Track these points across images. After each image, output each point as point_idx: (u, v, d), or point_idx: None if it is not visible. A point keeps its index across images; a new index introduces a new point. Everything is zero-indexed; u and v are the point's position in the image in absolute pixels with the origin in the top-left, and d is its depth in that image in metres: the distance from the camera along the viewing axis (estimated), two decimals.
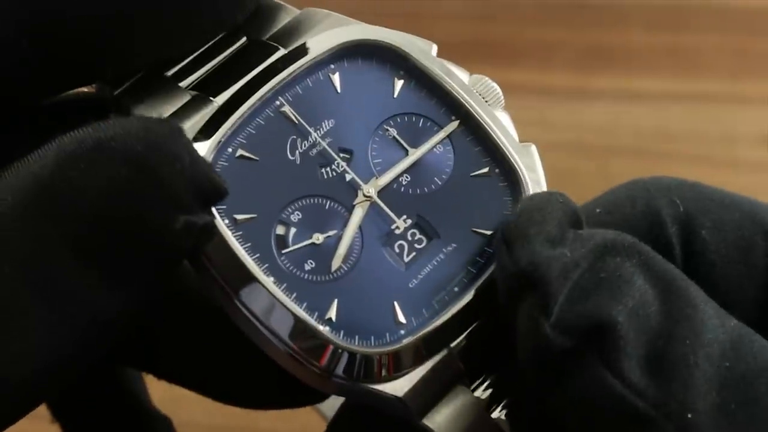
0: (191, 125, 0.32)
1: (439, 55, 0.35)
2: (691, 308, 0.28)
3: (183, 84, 0.33)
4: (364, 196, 0.33)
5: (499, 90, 0.35)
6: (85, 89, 0.34)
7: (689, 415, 0.26)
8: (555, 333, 0.27)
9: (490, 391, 0.31)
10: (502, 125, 0.34)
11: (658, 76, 0.80)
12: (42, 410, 0.43)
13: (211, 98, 0.33)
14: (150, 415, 0.43)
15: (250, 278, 0.31)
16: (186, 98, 0.33)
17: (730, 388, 0.27)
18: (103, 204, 0.27)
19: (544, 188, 0.33)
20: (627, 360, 0.27)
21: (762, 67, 0.80)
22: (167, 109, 0.32)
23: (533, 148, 0.34)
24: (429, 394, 0.31)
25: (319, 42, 0.34)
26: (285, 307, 0.30)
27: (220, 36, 0.34)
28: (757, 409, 0.27)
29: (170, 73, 0.33)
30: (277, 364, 0.31)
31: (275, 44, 0.34)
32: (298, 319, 0.30)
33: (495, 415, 0.31)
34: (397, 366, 0.30)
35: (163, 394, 0.45)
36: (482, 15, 0.85)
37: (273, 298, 0.30)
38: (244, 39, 0.34)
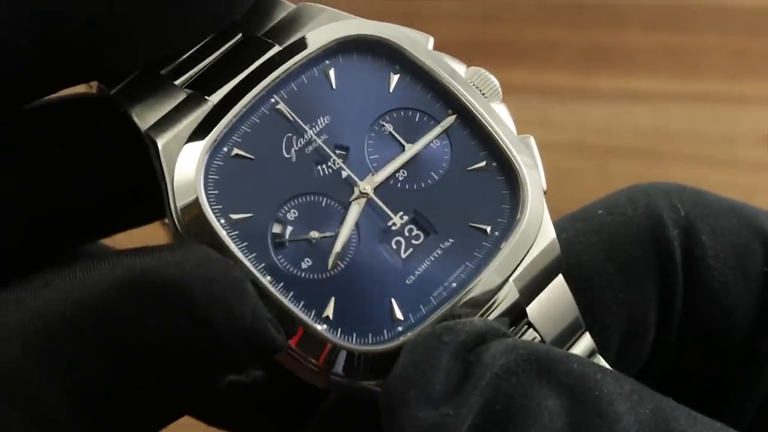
0: (186, 124, 0.32)
1: None
2: (600, 416, 0.27)
3: (178, 82, 0.33)
4: (360, 193, 0.33)
5: (496, 82, 0.34)
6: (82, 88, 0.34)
7: None
8: None
9: None
10: (499, 118, 0.34)
11: (658, 76, 0.80)
12: None
13: (206, 97, 0.33)
14: None
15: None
16: (181, 97, 0.33)
17: None
18: (158, 348, 0.27)
19: (543, 180, 0.33)
20: None
21: (762, 67, 0.80)
22: (163, 108, 0.32)
23: (532, 140, 0.34)
24: None
25: (314, 38, 0.34)
26: (282, 306, 0.30)
27: (216, 33, 0.34)
28: None
29: (166, 71, 0.33)
30: (276, 362, 0.31)
31: (270, 41, 0.34)
32: (295, 318, 0.30)
33: None
34: (394, 363, 0.30)
35: None
36: (482, 15, 0.85)
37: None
38: (239, 35, 0.34)
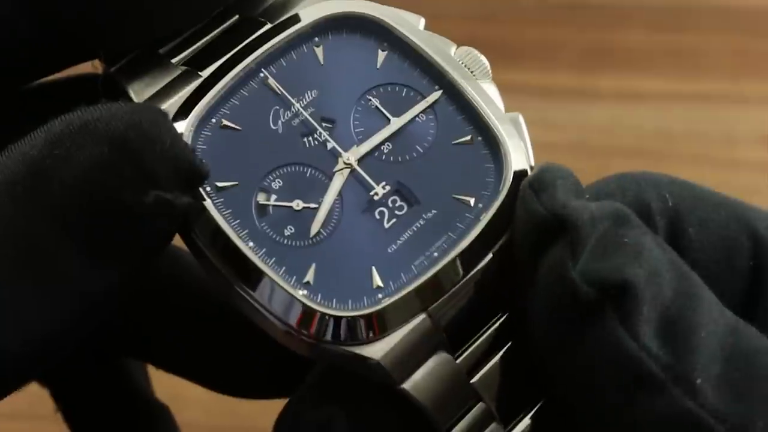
0: (178, 98, 0.33)
1: None
2: (699, 288, 0.29)
3: (175, 60, 0.34)
4: (344, 163, 0.33)
5: (485, 62, 0.35)
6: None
7: (698, 381, 0.27)
8: (581, 280, 0.28)
9: (472, 357, 0.32)
10: (486, 95, 0.34)
11: (659, 76, 0.80)
12: (43, 410, 0.43)
13: (199, 72, 0.34)
14: (149, 402, 0.44)
15: (228, 243, 0.31)
16: (176, 73, 0.34)
17: (734, 361, 0.28)
18: (85, 181, 0.28)
19: (531, 155, 0.34)
20: (644, 323, 0.27)
21: (762, 68, 0.80)
22: (158, 84, 0.33)
23: (520, 117, 0.34)
24: (408, 359, 0.31)
25: (304, 15, 0.35)
26: (262, 270, 0.31)
27: (214, 14, 0.35)
28: (757, 383, 0.28)
29: (164, 50, 0.34)
30: (257, 326, 0.32)
31: (263, 20, 0.35)
32: (274, 282, 0.31)
33: (480, 374, 0.32)
34: (374, 329, 0.31)
35: (163, 394, 0.45)
36: (483, 15, 0.85)
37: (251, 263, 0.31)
38: (236, 17, 0.35)
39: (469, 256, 0.32)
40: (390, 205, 0.33)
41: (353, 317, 0.31)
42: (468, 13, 0.84)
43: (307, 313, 0.31)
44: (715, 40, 0.82)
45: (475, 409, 0.32)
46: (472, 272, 0.32)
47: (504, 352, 0.32)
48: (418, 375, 0.31)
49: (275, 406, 0.40)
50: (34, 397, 0.41)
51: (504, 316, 0.32)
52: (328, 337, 0.31)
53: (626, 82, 0.80)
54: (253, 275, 0.31)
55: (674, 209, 0.32)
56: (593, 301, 0.28)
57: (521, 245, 0.31)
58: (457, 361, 0.31)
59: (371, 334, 0.31)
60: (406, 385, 0.31)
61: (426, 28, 0.36)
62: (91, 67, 0.35)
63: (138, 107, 0.30)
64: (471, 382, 0.31)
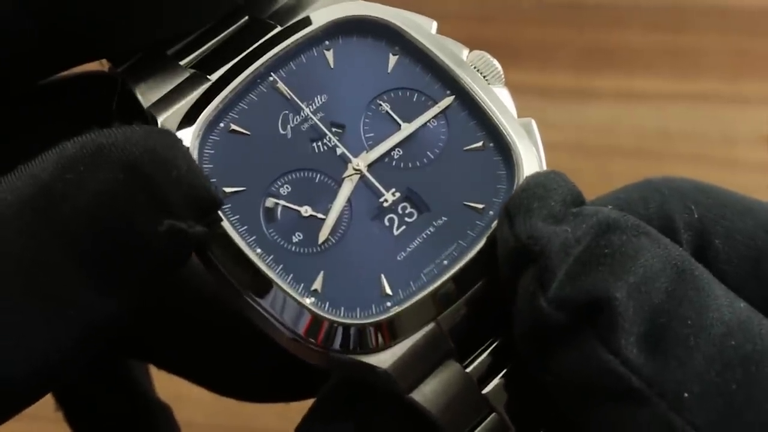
0: (186, 102, 0.33)
1: None
2: (696, 289, 0.28)
3: (183, 62, 0.34)
4: (354, 169, 0.33)
5: (498, 66, 0.34)
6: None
7: (685, 395, 0.26)
8: (551, 307, 0.27)
9: (482, 367, 0.31)
10: (499, 101, 0.34)
11: (658, 76, 0.80)
12: (42, 410, 0.43)
13: (208, 76, 0.33)
14: (150, 402, 0.44)
15: (236, 251, 0.31)
16: (184, 76, 0.33)
17: (733, 368, 0.26)
18: (97, 206, 0.28)
19: (543, 162, 0.33)
20: (624, 336, 0.27)
21: (762, 68, 0.80)
22: (166, 87, 0.33)
23: (533, 123, 0.34)
24: (417, 368, 0.30)
25: (314, 18, 0.35)
26: (269, 278, 0.31)
27: (223, 16, 0.34)
28: (757, 392, 0.26)
29: (171, 51, 0.34)
30: (266, 333, 0.31)
31: (272, 22, 0.35)
32: (282, 290, 0.30)
33: (492, 385, 0.31)
34: (382, 337, 0.30)
35: (163, 394, 0.45)
36: (482, 15, 0.85)
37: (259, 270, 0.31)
38: (245, 18, 0.35)
39: (479, 265, 0.31)
40: (400, 211, 0.32)
41: (361, 325, 0.30)
42: (467, 14, 0.84)
43: (315, 321, 0.30)
44: (714, 40, 0.82)
45: (488, 420, 0.31)
46: (482, 281, 0.31)
47: (513, 365, 0.31)
48: (428, 384, 0.30)
49: (275, 407, 0.41)
50: None
51: None
52: (336, 345, 0.30)
53: (625, 82, 0.80)
54: (260, 283, 0.31)
55: (700, 220, 0.31)
56: (567, 325, 0.27)
57: (501, 269, 0.30)
58: (467, 370, 0.31)
59: (379, 343, 0.30)
60: (415, 395, 0.30)
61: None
62: (99, 66, 0.35)
63: (153, 131, 0.30)
64: (483, 392, 0.31)
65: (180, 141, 0.30)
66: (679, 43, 0.82)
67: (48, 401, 0.43)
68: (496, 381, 0.31)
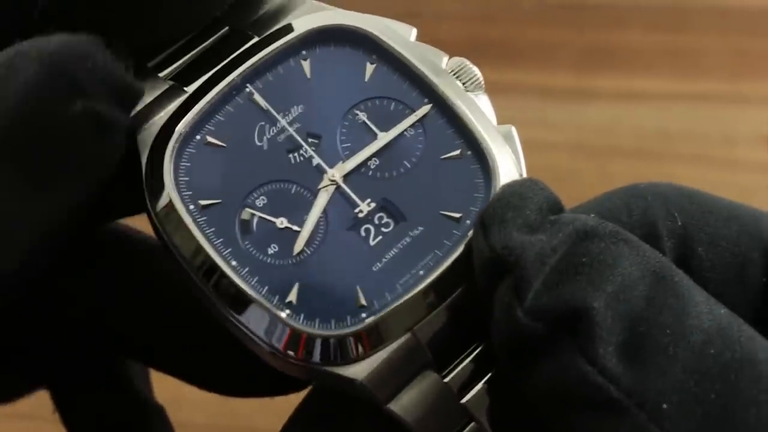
0: (164, 113, 0.33)
1: None
2: (676, 296, 0.27)
3: (163, 74, 0.34)
4: (329, 180, 0.33)
5: (478, 74, 0.34)
6: None
7: (664, 405, 0.26)
8: (527, 318, 0.27)
9: (464, 373, 0.31)
10: (478, 108, 0.34)
11: (658, 76, 0.80)
12: (40, 411, 0.43)
13: (185, 88, 0.33)
14: (144, 403, 0.44)
15: (211, 263, 0.31)
16: (163, 88, 0.33)
17: (712, 378, 0.26)
18: (18, 101, 0.28)
19: (523, 168, 0.33)
20: (602, 346, 0.26)
21: (762, 68, 0.80)
22: (146, 99, 0.33)
23: (513, 130, 0.34)
24: (394, 379, 0.30)
25: (291, 28, 0.34)
26: (244, 291, 0.30)
27: (203, 27, 0.34)
28: (735, 402, 0.26)
29: (152, 64, 0.34)
30: (243, 344, 0.31)
31: (250, 33, 0.35)
32: (257, 303, 0.30)
33: (474, 391, 0.31)
34: (358, 349, 0.30)
35: (163, 395, 0.45)
36: (482, 15, 0.85)
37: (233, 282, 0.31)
38: (225, 29, 0.35)
39: (457, 274, 0.31)
40: (376, 222, 0.32)
41: (336, 337, 0.30)
42: (468, 14, 0.84)
43: (291, 334, 0.30)
44: (714, 40, 0.82)
45: (467, 430, 0.31)
46: (458, 291, 0.31)
47: (495, 371, 0.31)
48: (405, 395, 0.30)
49: (275, 407, 0.40)
50: (35, 397, 0.41)
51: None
52: (314, 358, 0.30)
53: (625, 83, 0.80)
54: (236, 296, 0.31)
55: (683, 227, 0.31)
56: (544, 335, 0.27)
57: (478, 280, 0.30)
58: (447, 379, 0.31)
59: (356, 354, 0.30)
60: (393, 405, 0.30)
61: (426, 30, 0.35)
62: None
63: (73, 35, 0.30)
64: (465, 399, 0.31)
65: (100, 40, 0.30)
66: (679, 43, 0.82)
67: (46, 402, 0.43)
68: (478, 387, 0.31)
